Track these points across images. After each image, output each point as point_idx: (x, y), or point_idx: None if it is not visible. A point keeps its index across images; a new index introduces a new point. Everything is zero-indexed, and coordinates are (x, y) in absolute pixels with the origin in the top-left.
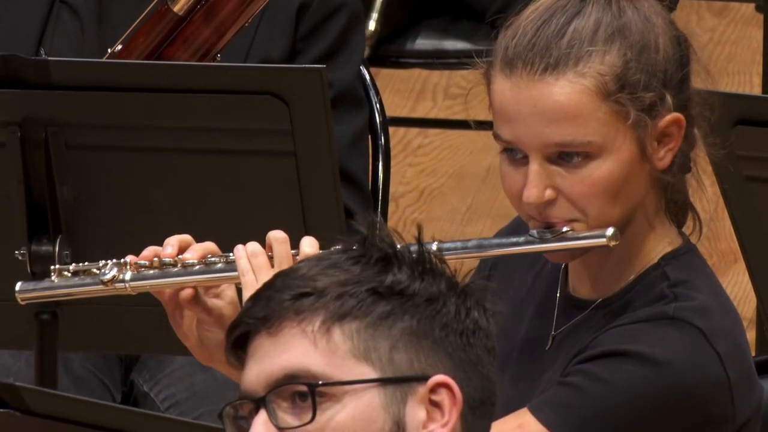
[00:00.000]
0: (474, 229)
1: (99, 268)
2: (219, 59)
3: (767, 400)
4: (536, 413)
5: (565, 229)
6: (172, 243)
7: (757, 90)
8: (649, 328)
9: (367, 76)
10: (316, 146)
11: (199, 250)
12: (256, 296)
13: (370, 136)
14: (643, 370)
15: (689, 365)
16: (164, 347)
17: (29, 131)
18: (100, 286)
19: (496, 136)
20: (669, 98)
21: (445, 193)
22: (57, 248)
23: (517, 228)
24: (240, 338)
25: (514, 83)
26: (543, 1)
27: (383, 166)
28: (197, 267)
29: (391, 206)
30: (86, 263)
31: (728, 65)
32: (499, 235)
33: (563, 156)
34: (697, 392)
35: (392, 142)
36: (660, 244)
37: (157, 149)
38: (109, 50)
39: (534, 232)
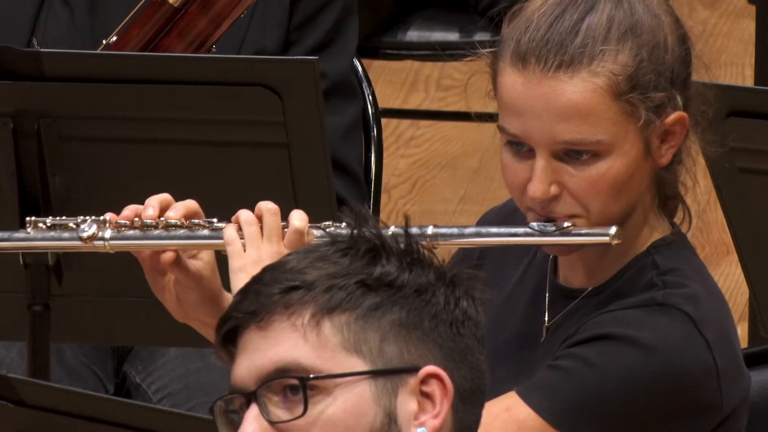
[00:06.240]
0: (466, 221)
1: (77, 224)
2: (214, 51)
3: (755, 391)
4: (525, 397)
5: (566, 224)
6: (153, 204)
7: (749, 81)
8: (638, 314)
9: (360, 68)
10: (309, 138)
11: (181, 209)
12: (245, 290)
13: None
14: (632, 353)
15: (678, 350)
16: (157, 339)
17: (21, 123)
18: (78, 242)
19: (502, 129)
20: (678, 98)
21: (437, 184)
22: None
23: (510, 212)
24: (230, 333)
25: (527, 78)
26: None
27: (375, 157)
28: (181, 231)
29: (384, 198)
30: (64, 218)
31: (720, 57)
32: (489, 215)
33: (570, 153)
34: (685, 377)
35: (384, 134)
36: (651, 234)
37: (150, 141)
38: (104, 42)
39: (534, 224)
